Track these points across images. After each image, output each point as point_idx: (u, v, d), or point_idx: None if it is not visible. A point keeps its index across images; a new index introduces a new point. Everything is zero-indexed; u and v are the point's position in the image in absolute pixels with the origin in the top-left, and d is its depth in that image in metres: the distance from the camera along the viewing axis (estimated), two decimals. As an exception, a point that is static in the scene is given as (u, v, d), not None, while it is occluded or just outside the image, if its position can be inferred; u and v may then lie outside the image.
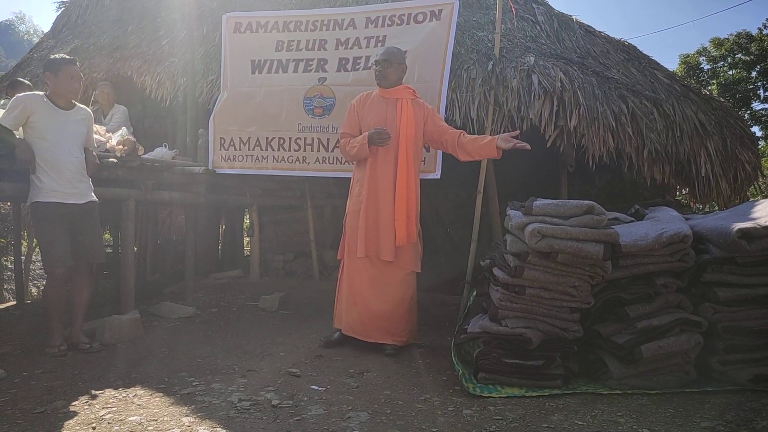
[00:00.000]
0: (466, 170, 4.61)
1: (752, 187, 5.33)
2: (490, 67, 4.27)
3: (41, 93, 3.43)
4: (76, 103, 3.55)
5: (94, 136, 3.80)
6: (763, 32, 20.61)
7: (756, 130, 20.82)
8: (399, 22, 4.58)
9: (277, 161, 4.81)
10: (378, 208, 3.51)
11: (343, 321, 3.62)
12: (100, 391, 2.67)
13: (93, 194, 3.54)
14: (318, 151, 4.67)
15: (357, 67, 4.53)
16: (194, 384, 2.79)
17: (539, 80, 4.16)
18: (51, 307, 3.37)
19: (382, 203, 3.50)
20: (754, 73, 21.11)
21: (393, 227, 3.45)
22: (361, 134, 3.62)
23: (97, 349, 3.39)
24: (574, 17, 5.29)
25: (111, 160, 3.96)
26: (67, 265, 3.34)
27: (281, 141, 4.77)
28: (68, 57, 3.52)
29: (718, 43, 21.67)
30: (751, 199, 4.22)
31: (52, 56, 3.57)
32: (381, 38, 4.58)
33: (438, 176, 4.28)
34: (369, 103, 3.69)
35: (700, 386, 2.70)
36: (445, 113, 4.25)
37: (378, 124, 3.55)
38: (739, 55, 21.23)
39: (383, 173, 3.53)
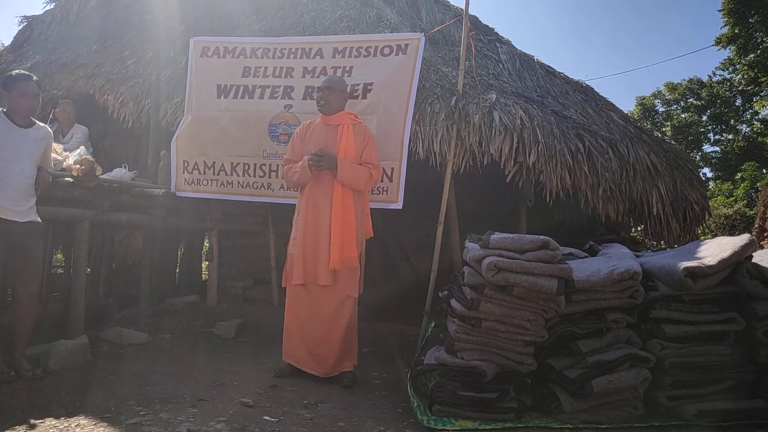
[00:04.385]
0: (429, 201, 4.67)
1: (701, 226, 5.54)
2: (453, 102, 4.38)
3: None
4: (36, 122, 3.47)
5: (51, 155, 3.71)
6: (713, 79, 21.76)
7: (707, 171, 21.82)
8: (366, 54, 4.67)
9: (242, 187, 4.79)
10: (317, 234, 3.51)
11: (283, 347, 3.59)
12: (40, 421, 2.55)
13: (36, 215, 3.40)
14: (283, 178, 4.66)
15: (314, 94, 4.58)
16: (142, 413, 2.70)
17: (500, 117, 4.29)
18: None
19: (321, 228, 3.50)
20: (705, 117, 22.19)
21: (329, 251, 3.44)
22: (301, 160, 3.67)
23: (40, 376, 3.24)
24: (535, 57, 5.49)
25: (66, 179, 3.86)
26: None
27: (246, 167, 4.76)
28: (24, 73, 3.44)
29: (672, 87, 22.77)
30: (700, 239, 4.40)
31: (9, 73, 3.50)
32: (348, 68, 4.66)
33: (400, 206, 4.32)
34: (311, 130, 3.75)
35: (648, 421, 2.76)
36: (409, 145, 4.33)
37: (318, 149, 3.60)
38: (691, 100, 22.33)
39: (323, 198, 3.54)
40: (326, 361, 3.48)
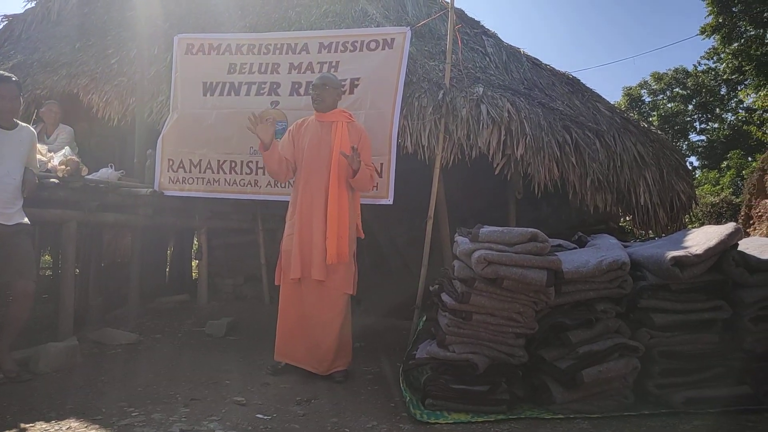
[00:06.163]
0: (418, 195, 4.68)
1: (688, 215, 5.59)
2: (440, 96, 4.37)
3: None
4: (19, 122, 3.42)
5: (36, 156, 3.66)
6: (698, 69, 21.90)
7: (693, 159, 22.02)
8: (352, 48, 4.65)
9: (229, 184, 4.75)
10: (312, 229, 3.51)
11: (276, 346, 3.58)
12: (30, 425, 2.53)
13: (23, 216, 3.36)
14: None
15: (310, 91, 4.56)
16: (133, 414, 2.69)
17: (488, 110, 4.29)
18: None
19: (315, 223, 3.50)
20: (690, 107, 22.35)
21: (324, 246, 3.45)
22: (292, 156, 3.68)
23: (27, 379, 3.19)
24: (521, 50, 5.50)
25: (52, 180, 3.82)
26: None
27: (233, 164, 4.72)
28: (3, 75, 3.37)
29: (658, 77, 22.89)
30: (687, 228, 4.44)
31: None
32: (334, 64, 4.63)
33: (390, 202, 4.31)
34: (305, 127, 3.75)
35: (638, 410, 2.79)
36: (397, 140, 4.32)
37: (312, 146, 3.61)
38: (677, 89, 22.47)
39: (317, 193, 3.54)
40: (325, 359, 3.47)
